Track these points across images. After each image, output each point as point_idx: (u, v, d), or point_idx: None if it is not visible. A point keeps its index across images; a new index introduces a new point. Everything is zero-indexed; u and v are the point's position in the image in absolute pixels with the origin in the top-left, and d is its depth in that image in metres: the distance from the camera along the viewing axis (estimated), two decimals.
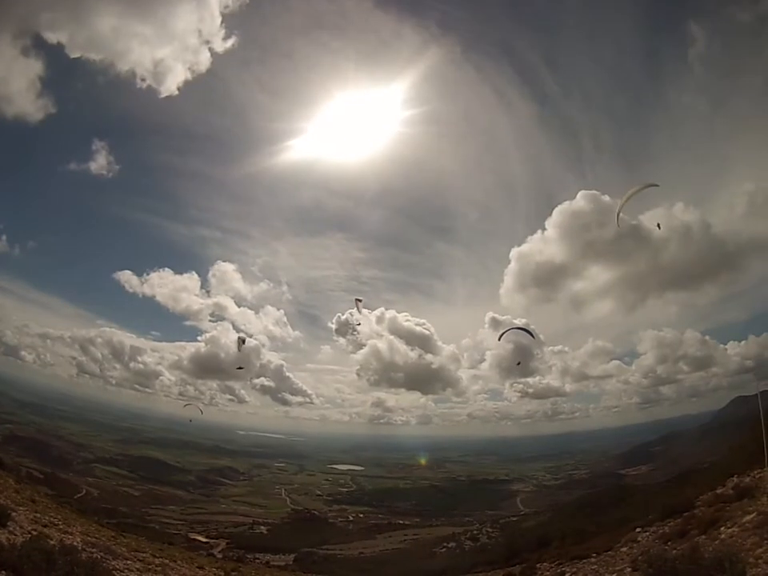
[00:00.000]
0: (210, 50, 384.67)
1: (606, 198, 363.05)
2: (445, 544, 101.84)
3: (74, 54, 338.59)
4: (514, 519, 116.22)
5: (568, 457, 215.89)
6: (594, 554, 20.92)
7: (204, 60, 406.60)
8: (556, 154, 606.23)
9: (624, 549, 19.79)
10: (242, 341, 57.85)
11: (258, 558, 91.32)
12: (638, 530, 21.77)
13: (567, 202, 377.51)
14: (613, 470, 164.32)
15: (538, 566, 23.94)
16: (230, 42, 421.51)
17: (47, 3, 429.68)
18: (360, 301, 60.21)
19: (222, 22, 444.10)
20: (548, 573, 21.80)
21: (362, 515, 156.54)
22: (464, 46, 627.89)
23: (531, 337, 56.66)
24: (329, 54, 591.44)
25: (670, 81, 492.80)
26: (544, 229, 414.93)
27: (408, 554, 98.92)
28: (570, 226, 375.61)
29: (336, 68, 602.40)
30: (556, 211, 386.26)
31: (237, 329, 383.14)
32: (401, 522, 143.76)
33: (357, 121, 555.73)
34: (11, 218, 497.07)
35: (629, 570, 15.65)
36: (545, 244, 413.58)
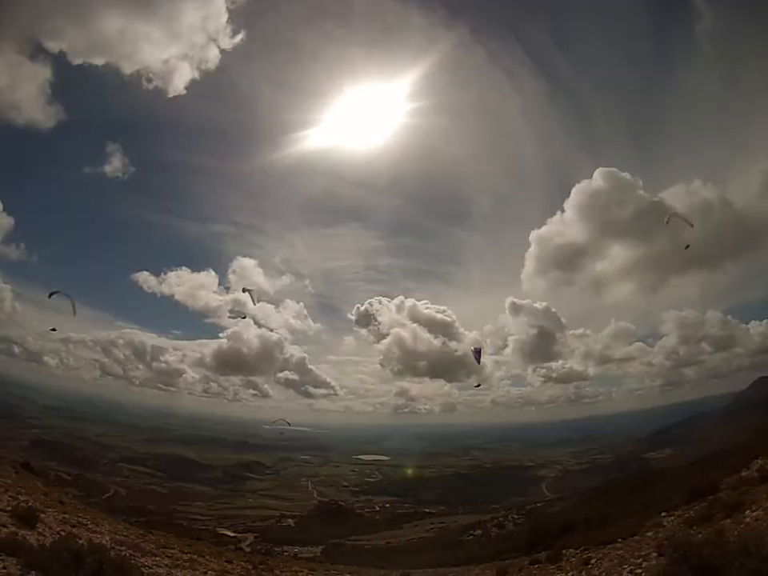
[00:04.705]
0: (218, 47, 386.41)
1: (626, 175, 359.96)
2: (471, 532, 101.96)
3: (77, 61, 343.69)
4: (540, 505, 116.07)
5: (592, 441, 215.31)
6: (620, 539, 20.79)
7: (212, 57, 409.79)
8: (569, 134, 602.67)
9: (649, 533, 19.63)
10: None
11: (286, 551, 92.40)
12: (662, 514, 21.59)
13: (585, 181, 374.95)
14: (637, 453, 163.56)
15: (563, 552, 23.83)
16: (237, 39, 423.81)
17: (47, 11, 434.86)
18: (250, 290, 58.66)
19: (228, 19, 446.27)
20: (574, 559, 21.69)
21: (388, 505, 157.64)
22: (473, 28, 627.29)
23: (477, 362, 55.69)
24: (335, 44, 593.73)
25: (679, 57, 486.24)
26: (563, 210, 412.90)
27: (435, 542, 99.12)
28: (589, 205, 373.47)
29: (343, 57, 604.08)
30: (574, 191, 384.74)
31: (258, 324, 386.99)
32: (427, 510, 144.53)
33: (367, 109, 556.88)
34: (29, 226, 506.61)
35: (654, 554, 15.57)
36: (564, 225, 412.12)
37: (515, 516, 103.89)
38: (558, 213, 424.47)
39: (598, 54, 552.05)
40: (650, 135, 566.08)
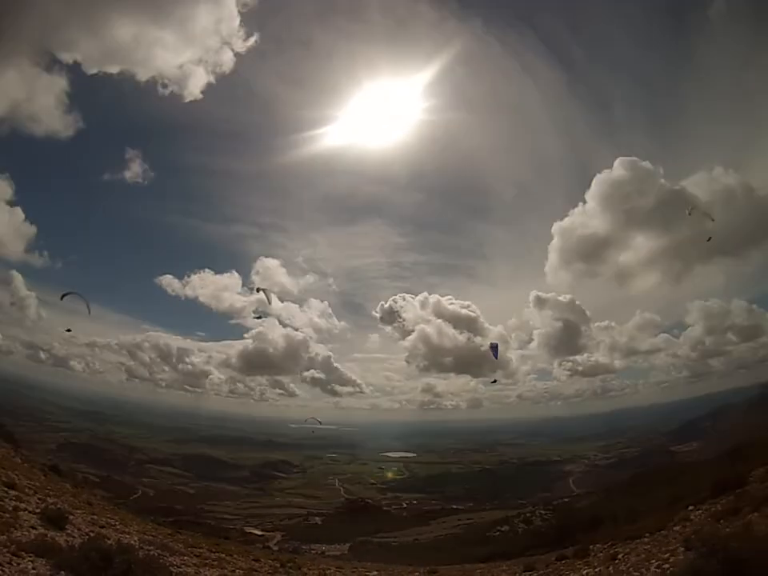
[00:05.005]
0: (232, 50, 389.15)
1: (647, 163, 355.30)
2: (498, 528, 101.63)
3: (92, 71, 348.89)
4: (567, 500, 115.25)
5: (618, 435, 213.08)
6: (647, 534, 20.58)
7: (227, 60, 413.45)
8: (588, 122, 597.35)
9: (677, 528, 19.41)
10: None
11: (314, 549, 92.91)
12: (690, 508, 21.36)
13: (606, 171, 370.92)
14: (663, 446, 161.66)
15: (590, 547, 23.72)
16: (251, 41, 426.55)
17: (59, 23, 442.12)
18: (264, 290, 58.25)
19: (240, 22, 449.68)
20: (601, 554, 21.57)
21: (415, 502, 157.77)
22: (485, 20, 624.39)
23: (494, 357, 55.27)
24: (347, 40, 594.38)
25: (695, 41, 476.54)
26: (584, 201, 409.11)
27: (462, 539, 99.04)
28: (611, 195, 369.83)
29: (356, 54, 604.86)
30: (595, 181, 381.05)
31: (282, 324, 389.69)
32: (454, 506, 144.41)
33: (384, 105, 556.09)
34: (52, 234, 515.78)
35: (682, 549, 15.42)
36: (586, 216, 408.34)
37: (542, 512, 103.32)
38: (580, 204, 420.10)
39: (612, 40, 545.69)
40: (669, 122, 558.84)
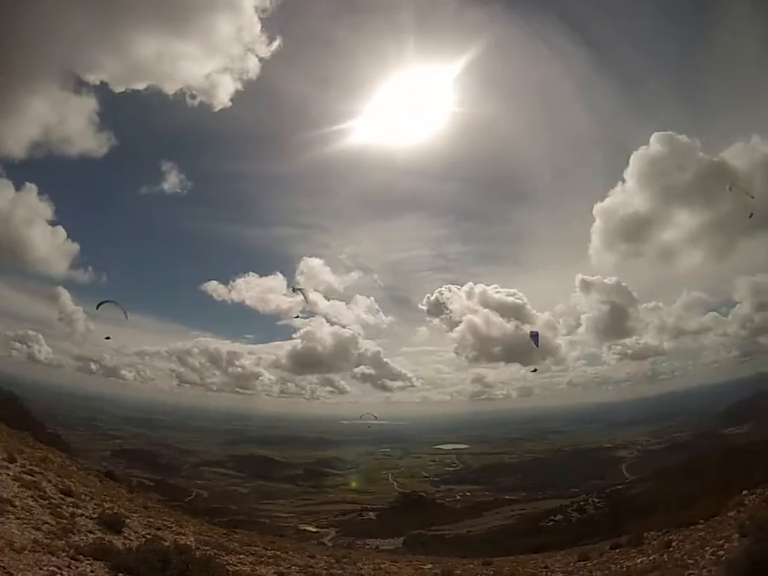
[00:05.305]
0: (256, 55, 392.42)
1: (683, 137, 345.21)
2: (552, 517, 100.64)
3: (119, 89, 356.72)
4: (620, 487, 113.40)
5: (670, 418, 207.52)
6: (701, 521, 20.29)
7: (252, 66, 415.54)
8: (620, 99, 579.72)
9: (731, 513, 19.12)
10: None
11: (368, 544, 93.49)
12: (744, 492, 20.96)
13: (642, 148, 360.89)
14: (715, 429, 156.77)
15: (645, 534, 23.45)
16: (274, 45, 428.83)
17: (83, 46, 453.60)
18: (301, 289, 58.59)
19: (261, 27, 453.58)
20: (655, 542, 21.31)
21: (468, 493, 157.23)
22: (507, 3, 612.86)
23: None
24: (369, 35, 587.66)
25: (722, 5, 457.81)
26: (623, 180, 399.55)
27: (515, 530, 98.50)
28: (650, 172, 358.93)
29: (381, 48, 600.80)
30: (632, 159, 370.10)
31: (330, 322, 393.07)
32: (507, 497, 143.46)
33: (413, 99, 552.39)
34: (94, 250, 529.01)
35: (737, 535, 15.19)
36: (626, 196, 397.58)
37: (595, 500, 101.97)
38: (619, 183, 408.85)
39: (635, 14, 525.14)
40: (702, 93, 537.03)
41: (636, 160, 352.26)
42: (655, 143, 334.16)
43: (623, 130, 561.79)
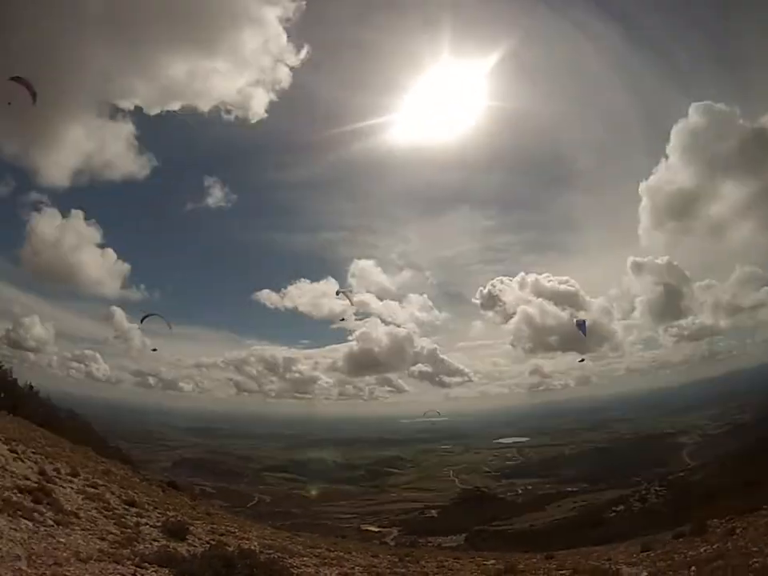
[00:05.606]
0: (287, 65, 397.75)
1: (722, 105, 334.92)
2: (614, 508, 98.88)
3: (154, 111, 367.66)
4: (682, 474, 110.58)
5: (730, 400, 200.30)
6: (765, 507, 19.88)
7: (284, 76, 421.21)
8: (653, 73, 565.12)
9: None
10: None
11: (430, 542, 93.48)
12: None
13: (682, 121, 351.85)
14: None
15: (708, 522, 23.02)
16: (303, 53, 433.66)
17: (113, 74, 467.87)
18: (344, 291, 58.31)
19: (288, 37, 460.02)
20: (719, 530, 20.93)
21: (530, 487, 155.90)
22: None
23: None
24: (394, 33, 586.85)
25: None
26: (666, 156, 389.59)
27: (577, 522, 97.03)
28: (691, 145, 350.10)
29: (407, 46, 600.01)
30: (673, 133, 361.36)
31: (384, 322, 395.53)
32: (569, 489, 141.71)
33: (448, 93, 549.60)
34: (145, 268, 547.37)
35: None
36: (671, 172, 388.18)
37: (657, 488, 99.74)
38: (663, 159, 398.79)
39: None
40: (735, 59, 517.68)
41: (677, 134, 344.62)
42: (694, 114, 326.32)
43: (660, 103, 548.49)
